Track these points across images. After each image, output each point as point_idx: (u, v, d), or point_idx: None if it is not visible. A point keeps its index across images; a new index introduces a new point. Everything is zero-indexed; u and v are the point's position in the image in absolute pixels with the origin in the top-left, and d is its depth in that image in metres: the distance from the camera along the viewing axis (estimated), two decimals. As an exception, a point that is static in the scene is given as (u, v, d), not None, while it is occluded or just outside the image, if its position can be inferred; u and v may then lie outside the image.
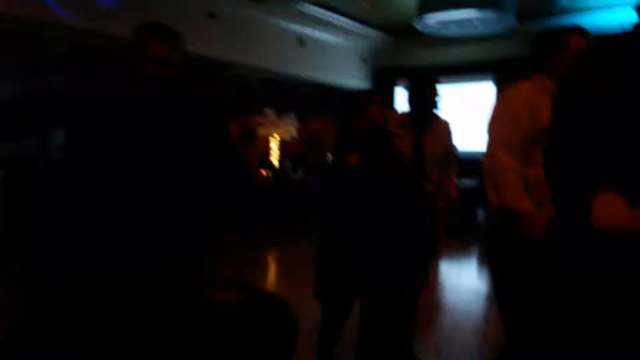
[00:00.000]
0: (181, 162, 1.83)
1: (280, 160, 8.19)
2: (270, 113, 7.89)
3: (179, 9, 6.52)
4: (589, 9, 7.67)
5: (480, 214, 7.83)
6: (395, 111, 3.47)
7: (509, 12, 7.18)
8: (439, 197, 3.32)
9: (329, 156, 9.57)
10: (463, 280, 5.70)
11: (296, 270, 5.33)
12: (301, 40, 8.61)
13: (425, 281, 3.35)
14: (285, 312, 1.46)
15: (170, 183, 1.81)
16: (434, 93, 3.30)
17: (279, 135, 7.97)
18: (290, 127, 7.98)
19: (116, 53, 1.99)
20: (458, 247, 6.78)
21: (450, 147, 3.48)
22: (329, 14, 8.25)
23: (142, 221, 1.75)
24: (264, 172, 7.55)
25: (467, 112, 9.50)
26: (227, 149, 2.00)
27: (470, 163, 8.93)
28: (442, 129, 3.43)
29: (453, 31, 7.98)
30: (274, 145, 8.01)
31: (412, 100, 3.35)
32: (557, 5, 7.74)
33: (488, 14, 7.15)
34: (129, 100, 1.86)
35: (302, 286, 3.13)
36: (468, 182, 7.73)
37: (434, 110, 3.35)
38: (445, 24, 7.62)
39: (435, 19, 7.39)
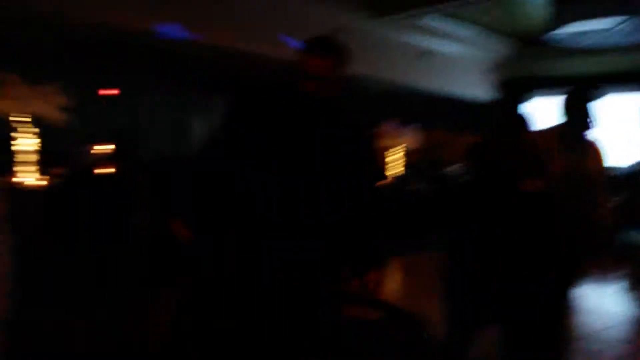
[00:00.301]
0: (329, 184, 1.88)
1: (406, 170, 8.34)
2: (392, 125, 8.01)
3: (305, 23, 6.86)
4: None
5: (633, 233, 7.19)
6: (547, 129, 3.20)
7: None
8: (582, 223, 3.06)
9: (453, 167, 9.43)
10: (606, 306, 5.25)
11: (419, 282, 5.34)
12: (425, 52, 8.58)
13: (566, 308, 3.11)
14: (421, 332, 1.50)
15: (319, 199, 1.86)
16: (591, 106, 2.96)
17: (404, 145, 8.10)
18: (414, 138, 8.08)
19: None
20: (602, 268, 6.24)
21: (604, 170, 3.10)
22: (453, 25, 8.12)
23: (295, 236, 1.83)
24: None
25: (610, 125, 8.77)
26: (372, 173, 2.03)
27: (614, 179, 8.23)
28: (594, 149, 3.08)
29: (589, 41, 7.47)
30: (400, 154, 8.17)
31: (568, 112, 3.01)
32: None
33: (628, 23, 6.59)
34: (283, 122, 1.89)
35: (427, 299, 3.11)
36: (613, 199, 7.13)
37: (590, 127, 2.99)
38: (581, 34, 7.15)
39: (570, 30, 6.97)
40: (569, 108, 3.00)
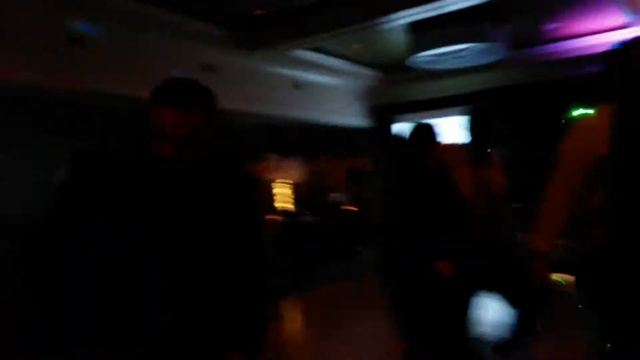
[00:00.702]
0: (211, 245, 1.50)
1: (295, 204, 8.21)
2: (273, 158, 7.94)
3: (172, 60, 6.66)
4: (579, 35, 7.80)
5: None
6: (454, 144, 3.24)
7: (502, 42, 7.29)
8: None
9: (334, 196, 9.58)
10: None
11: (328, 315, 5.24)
12: (297, 84, 8.75)
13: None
14: None
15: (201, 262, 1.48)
16: (498, 122, 3.07)
17: (288, 179, 8.01)
18: (296, 171, 8.02)
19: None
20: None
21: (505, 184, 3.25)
22: (321, 56, 8.40)
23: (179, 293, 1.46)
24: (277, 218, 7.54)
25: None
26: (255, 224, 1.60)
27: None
28: (498, 164, 3.21)
29: (446, 64, 8.11)
30: (287, 189, 8.03)
31: (473, 129, 3.08)
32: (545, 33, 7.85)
33: (480, 47, 7.28)
34: (140, 191, 1.50)
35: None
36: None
37: (495, 142, 3.10)
38: (437, 58, 7.74)
39: (427, 55, 7.52)
40: (473, 126, 3.10)
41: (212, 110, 1.49)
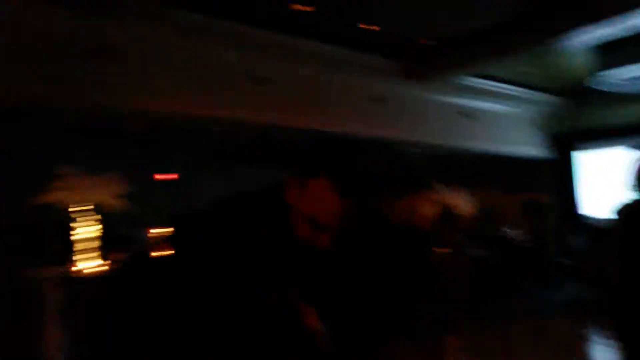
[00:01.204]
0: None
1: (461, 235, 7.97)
2: (440, 187, 7.81)
3: (342, 94, 7.02)
4: None
5: None
6: None
7: None
8: None
9: (506, 230, 9.03)
10: None
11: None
12: (467, 112, 8.55)
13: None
14: None
15: None
16: None
17: (459, 207, 7.82)
18: (465, 201, 7.78)
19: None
20: None
21: None
22: (492, 83, 8.11)
23: None
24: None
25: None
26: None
27: None
28: None
29: (635, 87, 7.25)
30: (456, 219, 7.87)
31: None
32: None
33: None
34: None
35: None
36: None
37: None
38: (628, 80, 6.96)
39: (620, 75, 6.80)
40: None
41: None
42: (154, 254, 5.18)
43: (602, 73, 6.75)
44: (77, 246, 5.42)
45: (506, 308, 6.65)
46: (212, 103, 6.00)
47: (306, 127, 6.61)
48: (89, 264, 5.34)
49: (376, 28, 5.83)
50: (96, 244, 5.50)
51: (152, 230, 5.84)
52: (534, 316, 6.37)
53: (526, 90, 8.65)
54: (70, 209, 5.39)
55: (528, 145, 9.61)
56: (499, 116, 9.11)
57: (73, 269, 5.28)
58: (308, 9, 5.41)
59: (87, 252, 5.45)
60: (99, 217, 5.55)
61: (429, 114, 8.04)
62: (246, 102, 6.21)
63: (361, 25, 5.75)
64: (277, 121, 6.54)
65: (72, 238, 5.45)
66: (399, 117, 7.55)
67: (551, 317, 6.36)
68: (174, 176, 6.92)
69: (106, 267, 5.39)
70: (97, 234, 5.51)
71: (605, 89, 7.39)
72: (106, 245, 5.49)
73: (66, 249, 5.33)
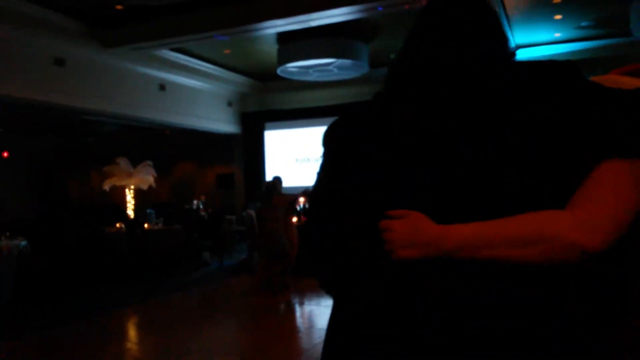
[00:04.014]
0: None
1: (137, 211, 7.79)
2: (123, 162, 7.50)
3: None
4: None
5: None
6: None
7: (364, 60, 7.70)
8: None
9: (195, 203, 9.36)
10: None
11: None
12: (162, 86, 8.46)
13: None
14: None
15: None
16: None
17: (134, 184, 7.59)
18: (146, 176, 7.66)
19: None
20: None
21: None
22: (191, 59, 8.21)
23: None
24: (118, 225, 7.15)
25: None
26: None
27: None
28: None
29: (313, 77, 8.36)
30: (129, 195, 7.61)
31: None
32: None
33: (345, 62, 7.62)
34: None
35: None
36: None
37: None
38: (305, 69, 7.96)
39: (295, 66, 7.69)
40: None
41: None
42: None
43: (284, 61, 7.52)
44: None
45: (181, 278, 6.77)
46: None
47: None
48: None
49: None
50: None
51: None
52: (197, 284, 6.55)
53: (223, 70, 9.04)
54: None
55: (223, 122, 10.12)
56: (196, 92, 9.31)
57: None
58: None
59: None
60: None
61: (122, 83, 7.67)
62: None
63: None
64: None
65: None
66: (85, 83, 6.98)
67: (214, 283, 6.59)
68: None
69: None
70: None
71: (287, 76, 8.28)
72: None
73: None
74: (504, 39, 0.95)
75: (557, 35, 7.41)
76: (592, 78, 0.96)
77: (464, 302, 0.85)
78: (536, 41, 7.73)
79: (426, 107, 0.91)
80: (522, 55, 7.92)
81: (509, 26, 6.99)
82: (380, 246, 0.88)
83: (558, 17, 6.62)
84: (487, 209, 0.85)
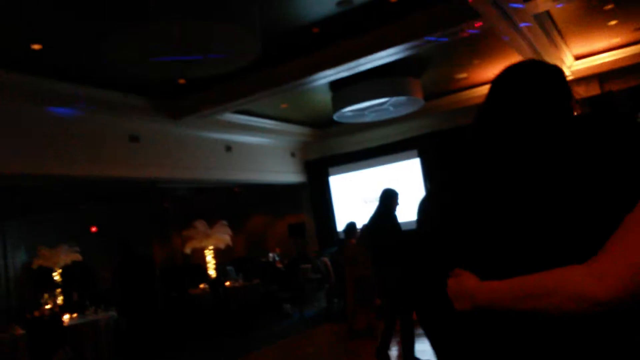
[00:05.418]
0: None
1: (218, 269, 8.07)
2: (200, 225, 7.87)
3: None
4: (484, 82, 8.38)
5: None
6: None
7: (418, 95, 7.74)
8: None
9: (271, 255, 9.54)
10: None
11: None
12: (228, 147, 8.87)
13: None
14: None
15: None
16: None
17: (212, 245, 7.91)
18: (223, 235, 7.97)
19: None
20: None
21: None
22: (251, 118, 8.61)
23: None
24: (202, 285, 7.43)
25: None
26: None
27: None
28: None
29: (369, 117, 8.49)
30: (209, 255, 7.92)
31: None
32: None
33: (400, 99, 7.70)
34: None
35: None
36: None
37: None
38: (360, 112, 8.10)
39: (350, 110, 7.86)
40: None
41: None
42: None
43: (339, 107, 7.71)
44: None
45: (265, 331, 6.85)
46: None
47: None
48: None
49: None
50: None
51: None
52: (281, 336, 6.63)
53: (283, 124, 9.39)
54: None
55: (288, 173, 10.40)
56: (260, 148, 9.68)
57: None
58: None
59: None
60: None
61: (190, 150, 8.13)
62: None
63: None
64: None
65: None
66: (158, 155, 7.47)
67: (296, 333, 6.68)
68: None
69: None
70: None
71: (344, 121, 8.46)
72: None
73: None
74: (569, 98, 1.10)
75: (616, 40, 7.16)
76: None
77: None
78: (595, 49, 7.50)
79: (511, 169, 1.06)
80: (583, 64, 7.70)
81: (564, 39, 6.85)
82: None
83: (612, 22, 6.42)
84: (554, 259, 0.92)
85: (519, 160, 1.04)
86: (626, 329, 0.87)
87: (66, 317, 6.11)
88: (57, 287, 8.23)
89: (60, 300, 7.84)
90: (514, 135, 1.07)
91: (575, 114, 1.11)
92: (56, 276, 8.46)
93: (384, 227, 4.71)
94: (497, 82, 1.16)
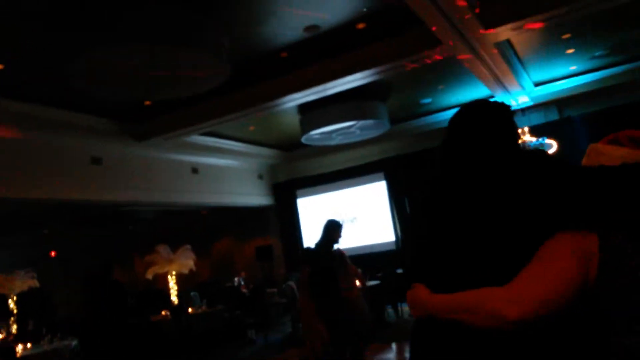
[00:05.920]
0: None
1: (180, 295, 7.85)
2: (163, 250, 7.67)
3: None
4: (449, 107, 8.56)
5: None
6: None
7: (384, 119, 7.84)
8: None
9: (236, 280, 9.37)
10: None
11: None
12: (195, 169, 8.75)
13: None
14: None
15: None
16: None
17: (175, 270, 7.70)
18: (186, 260, 7.79)
19: None
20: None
21: None
22: (219, 140, 8.53)
23: None
24: (163, 312, 7.23)
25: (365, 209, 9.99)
26: None
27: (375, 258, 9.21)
28: None
29: (336, 140, 8.54)
30: (172, 281, 7.70)
31: None
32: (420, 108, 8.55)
33: (366, 123, 7.79)
34: None
35: None
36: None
37: None
38: (328, 134, 8.15)
39: (318, 133, 7.89)
40: None
41: None
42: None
43: (307, 130, 7.73)
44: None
45: (229, 359, 6.70)
46: None
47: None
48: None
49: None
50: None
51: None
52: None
53: (250, 146, 9.33)
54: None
55: (255, 195, 10.32)
56: (227, 170, 9.59)
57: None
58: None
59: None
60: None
61: (158, 172, 7.98)
62: None
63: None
64: None
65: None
66: (121, 177, 7.30)
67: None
68: None
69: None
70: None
71: (311, 143, 8.48)
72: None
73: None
74: (515, 135, 1.31)
75: (573, 68, 7.44)
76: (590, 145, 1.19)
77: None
78: (554, 76, 7.77)
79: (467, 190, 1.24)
80: (542, 91, 7.96)
81: (523, 67, 7.07)
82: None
83: (570, 51, 6.67)
84: (484, 277, 1.10)
85: (465, 191, 1.23)
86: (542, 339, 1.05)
87: (19, 348, 5.83)
88: (11, 316, 7.85)
89: (14, 329, 7.49)
90: (462, 171, 1.27)
91: (520, 141, 1.37)
92: (11, 304, 8.08)
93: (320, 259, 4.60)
94: (454, 121, 1.36)
